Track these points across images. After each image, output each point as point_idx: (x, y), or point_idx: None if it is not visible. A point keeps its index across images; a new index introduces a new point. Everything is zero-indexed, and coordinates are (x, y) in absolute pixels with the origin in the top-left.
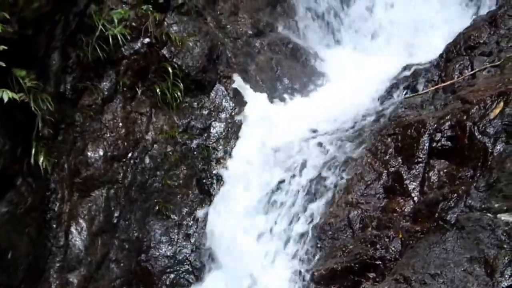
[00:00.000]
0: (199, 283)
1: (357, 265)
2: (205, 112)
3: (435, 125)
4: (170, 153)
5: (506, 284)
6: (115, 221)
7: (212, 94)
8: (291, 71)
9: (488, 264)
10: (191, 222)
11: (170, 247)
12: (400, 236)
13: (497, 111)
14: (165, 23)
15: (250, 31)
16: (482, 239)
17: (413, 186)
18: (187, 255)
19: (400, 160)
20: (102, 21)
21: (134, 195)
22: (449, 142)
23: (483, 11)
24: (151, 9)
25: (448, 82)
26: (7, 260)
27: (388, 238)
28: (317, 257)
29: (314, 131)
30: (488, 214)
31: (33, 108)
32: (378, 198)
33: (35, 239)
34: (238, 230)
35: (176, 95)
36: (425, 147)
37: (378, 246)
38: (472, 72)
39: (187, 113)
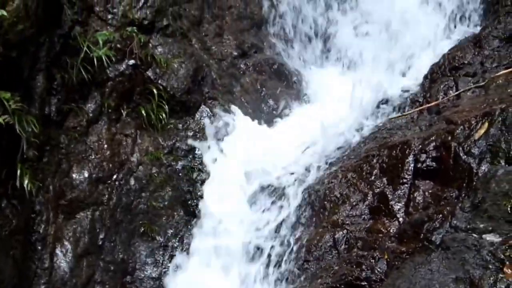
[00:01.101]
0: None
1: (342, 286)
2: (190, 133)
3: (420, 146)
4: (155, 174)
5: None
6: (100, 242)
7: (197, 116)
8: (276, 92)
9: (473, 284)
10: (177, 243)
11: (155, 269)
12: (386, 257)
13: (481, 131)
14: (150, 44)
15: (235, 52)
16: (467, 260)
17: (398, 207)
18: None
19: (385, 181)
20: (87, 43)
21: (119, 216)
22: (434, 163)
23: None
24: (136, 31)
25: (433, 103)
26: None
27: (374, 259)
28: (301, 278)
29: (301, 151)
30: (473, 235)
31: (18, 131)
32: (363, 218)
33: (20, 262)
34: None
35: (161, 116)
36: (410, 168)
37: (363, 267)
38: (456, 93)
39: (172, 134)
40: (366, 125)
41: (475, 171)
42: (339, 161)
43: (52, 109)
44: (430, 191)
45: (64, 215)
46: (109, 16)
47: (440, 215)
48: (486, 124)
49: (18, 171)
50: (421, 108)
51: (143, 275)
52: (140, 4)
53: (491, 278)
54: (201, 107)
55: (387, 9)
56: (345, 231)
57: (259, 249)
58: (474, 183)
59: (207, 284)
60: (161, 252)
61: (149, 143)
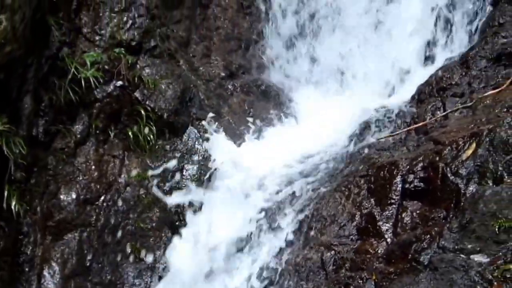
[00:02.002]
0: None
1: None
2: (178, 154)
3: (408, 167)
4: (143, 195)
5: None
6: (88, 264)
7: (185, 137)
8: (264, 112)
9: None
10: (164, 264)
11: None
12: (374, 277)
13: (469, 152)
14: (138, 65)
15: (223, 73)
16: (455, 280)
17: (386, 228)
18: None
19: (373, 202)
20: (74, 64)
21: (107, 238)
22: (421, 183)
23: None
24: (123, 52)
25: (421, 124)
26: None
27: (362, 279)
28: None
29: (288, 171)
30: (461, 255)
31: (5, 152)
32: (351, 239)
33: (7, 283)
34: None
35: (148, 137)
36: (398, 188)
37: (351, 287)
38: (444, 113)
39: (160, 155)
40: (354, 145)
41: (463, 191)
42: (327, 181)
43: (40, 130)
44: (418, 212)
45: (51, 236)
46: (97, 37)
47: (428, 236)
48: (474, 145)
49: (6, 193)
50: (408, 128)
51: None
52: (128, 25)
53: None
54: (188, 128)
55: (372, 30)
56: (333, 252)
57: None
58: (462, 203)
59: None
60: (149, 273)
61: (137, 164)
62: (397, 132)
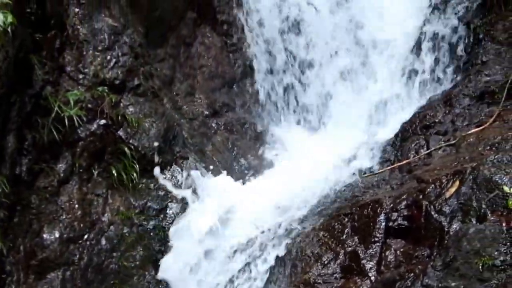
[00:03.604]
0: None
1: None
2: (162, 193)
3: (391, 205)
4: (127, 234)
5: None
6: None
7: (168, 175)
8: (248, 151)
9: None
10: None
11: None
12: None
13: (452, 190)
14: (121, 104)
15: (207, 112)
16: None
17: (370, 266)
18: None
19: (357, 240)
20: (58, 102)
21: (90, 276)
22: (405, 222)
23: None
24: (107, 90)
25: (404, 162)
26: None
27: None
28: None
29: (272, 210)
30: None
31: None
32: (335, 277)
33: None
34: None
35: (132, 176)
36: (381, 227)
37: None
38: (427, 152)
39: (144, 194)
40: (338, 183)
41: (446, 229)
42: (311, 220)
43: (23, 169)
44: (401, 250)
45: (35, 275)
46: (80, 76)
47: (412, 274)
48: (457, 183)
49: None
50: (392, 166)
51: None
52: (112, 64)
53: None
54: (172, 167)
55: (357, 70)
56: None
57: None
58: (446, 241)
59: None
60: None
61: (121, 202)
62: (381, 170)
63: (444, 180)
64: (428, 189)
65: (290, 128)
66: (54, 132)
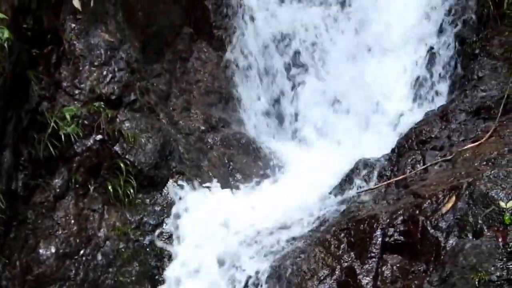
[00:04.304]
0: None
1: None
2: (158, 208)
3: (388, 220)
4: (123, 249)
5: None
6: None
7: (165, 191)
8: (244, 166)
9: None
10: None
11: None
12: None
13: (449, 205)
14: (118, 119)
15: (203, 127)
16: None
17: (367, 281)
18: None
19: (353, 255)
20: (54, 118)
21: None
22: (402, 237)
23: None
24: (103, 106)
25: (400, 177)
26: None
27: None
28: None
29: (268, 225)
30: None
31: None
32: None
33: None
34: None
35: (128, 191)
36: (378, 242)
37: None
38: (424, 167)
39: (140, 209)
40: (334, 198)
41: (443, 244)
42: (307, 235)
43: (19, 184)
44: (398, 265)
45: None
46: (77, 91)
47: None
48: (454, 198)
49: None
50: (388, 182)
51: None
52: (108, 79)
53: None
54: (168, 182)
55: (352, 86)
56: None
57: None
58: (442, 257)
59: None
60: None
61: (117, 218)
62: (377, 186)
63: (440, 196)
64: (425, 204)
65: (287, 143)
66: (50, 148)
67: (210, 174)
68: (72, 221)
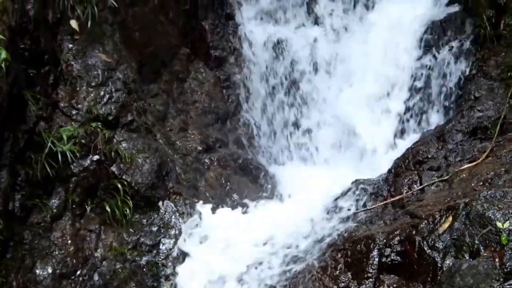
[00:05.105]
0: None
1: None
2: (155, 228)
3: (385, 240)
4: (119, 270)
5: None
6: None
7: (162, 211)
8: (241, 186)
9: None
10: None
11: None
12: None
13: (446, 225)
14: (115, 140)
15: (200, 147)
16: None
17: None
18: None
19: (350, 275)
20: (51, 138)
21: None
22: (398, 257)
23: None
24: (100, 126)
25: (397, 197)
26: None
27: None
28: None
29: (266, 245)
30: None
31: None
32: None
33: None
34: None
35: (125, 212)
36: (374, 262)
37: None
38: (420, 187)
39: (137, 229)
40: (331, 219)
41: (439, 265)
42: (304, 255)
43: (16, 204)
44: (394, 285)
45: None
46: (74, 112)
47: None
48: (450, 218)
49: None
50: (385, 202)
51: None
52: (105, 99)
53: None
54: (165, 202)
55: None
56: None
57: None
58: (439, 277)
59: None
60: None
61: (113, 238)
62: (374, 206)
63: (437, 216)
64: (421, 225)
65: (285, 164)
66: (47, 168)
67: (207, 194)
68: (69, 242)
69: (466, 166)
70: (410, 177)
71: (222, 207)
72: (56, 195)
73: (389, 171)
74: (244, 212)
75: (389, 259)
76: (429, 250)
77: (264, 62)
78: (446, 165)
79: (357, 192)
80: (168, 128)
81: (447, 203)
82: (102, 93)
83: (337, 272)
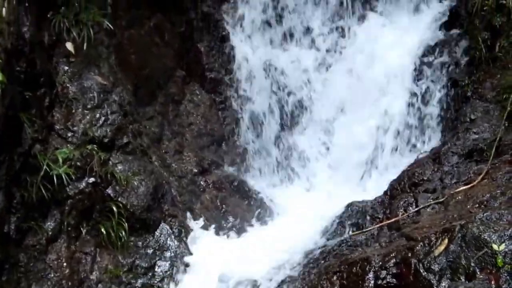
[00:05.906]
0: None
1: None
2: (150, 251)
3: (380, 262)
4: None
5: None
6: None
7: (157, 233)
8: (237, 208)
9: None
10: None
11: None
12: None
13: (441, 248)
14: (110, 162)
15: (195, 169)
16: None
17: None
18: None
19: None
20: (46, 160)
21: None
22: (394, 279)
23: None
24: (96, 148)
25: (393, 219)
26: None
27: None
28: None
29: (261, 268)
30: None
31: None
32: None
33: None
34: None
35: (120, 234)
36: (370, 285)
37: None
38: (416, 209)
39: (132, 252)
40: (327, 241)
41: (435, 287)
42: (299, 278)
43: (12, 227)
44: None
45: None
46: (69, 134)
47: None
48: (446, 241)
49: None
50: (381, 224)
51: None
52: (101, 122)
53: None
54: (161, 225)
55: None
56: None
57: None
58: None
59: None
60: None
61: (109, 261)
62: (370, 228)
63: (433, 238)
64: (417, 247)
65: (281, 186)
66: (43, 190)
67: (203, 216)
68: (64, 264)
69: (462, 188)
70: (406, 199)
71: (218, 230)
72: (52, 217)
73: (385, 193)
74: (239, 235)
75: (384, 282)
76: (425, 273)
77: (259, 83)
78: (441, 187)
79: (353, 214)
80: (163, 151)
81: (443, 225)
82: (97, 115)
83: None
